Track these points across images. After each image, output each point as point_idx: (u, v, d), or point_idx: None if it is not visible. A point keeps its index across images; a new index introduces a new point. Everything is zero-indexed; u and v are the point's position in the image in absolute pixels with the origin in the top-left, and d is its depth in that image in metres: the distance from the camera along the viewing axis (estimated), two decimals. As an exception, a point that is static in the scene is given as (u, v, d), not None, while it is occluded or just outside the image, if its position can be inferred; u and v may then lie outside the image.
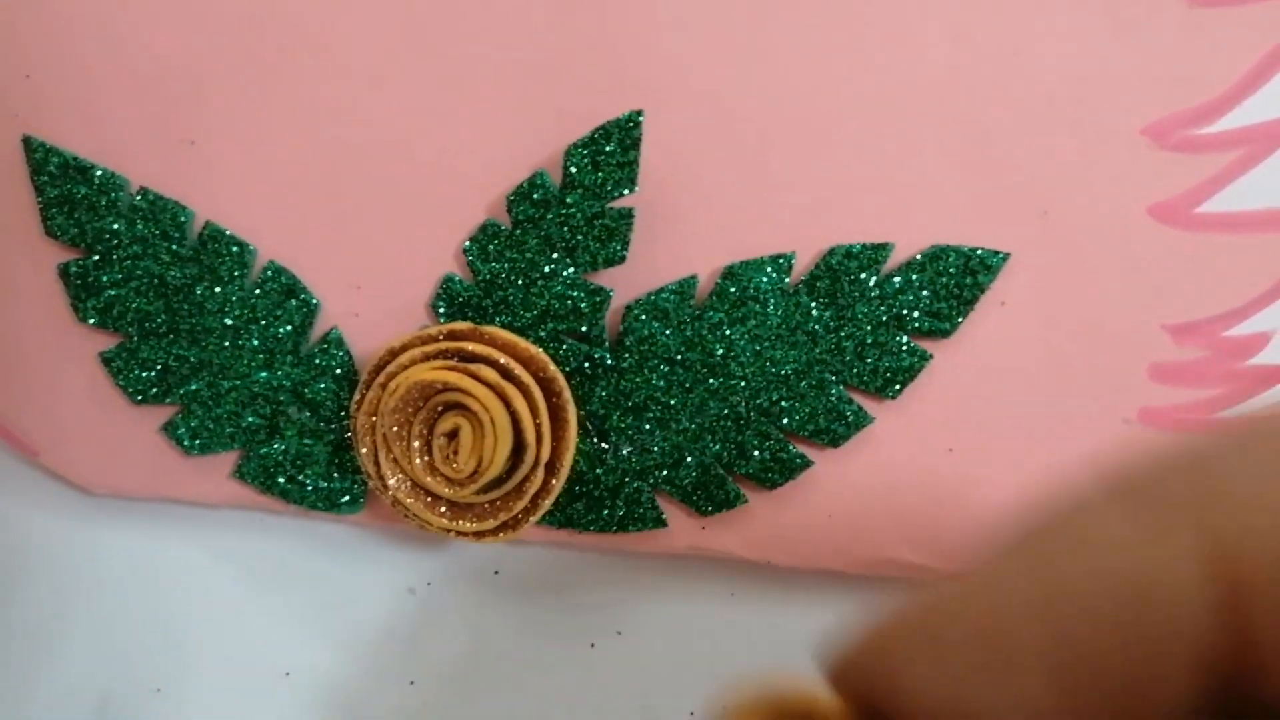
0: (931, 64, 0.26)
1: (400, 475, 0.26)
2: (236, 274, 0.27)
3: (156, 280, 0.27)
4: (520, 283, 0.26)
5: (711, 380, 0.27)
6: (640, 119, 0.25)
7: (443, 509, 0.26)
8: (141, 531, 0.28)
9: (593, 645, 0.28)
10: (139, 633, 0.28)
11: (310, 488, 0.27)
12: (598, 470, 0.27)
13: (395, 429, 0.25)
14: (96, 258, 0.27)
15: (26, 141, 0.27)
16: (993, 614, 0.13)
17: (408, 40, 0.26)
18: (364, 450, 0.26)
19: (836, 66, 0.26)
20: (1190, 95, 0.26)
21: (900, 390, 0.26)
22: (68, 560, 0.28)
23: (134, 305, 0.27)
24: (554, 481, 0.26)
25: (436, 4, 0.26)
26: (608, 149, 0.26)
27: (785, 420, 0.27)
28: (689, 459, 0.27)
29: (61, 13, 0.26)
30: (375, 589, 0.28)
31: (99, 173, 0.27)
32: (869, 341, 0.26)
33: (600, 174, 0.26)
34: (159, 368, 0.27)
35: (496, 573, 0.28)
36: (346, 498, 0.27)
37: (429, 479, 0.26)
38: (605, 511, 0.27)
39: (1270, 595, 0.12)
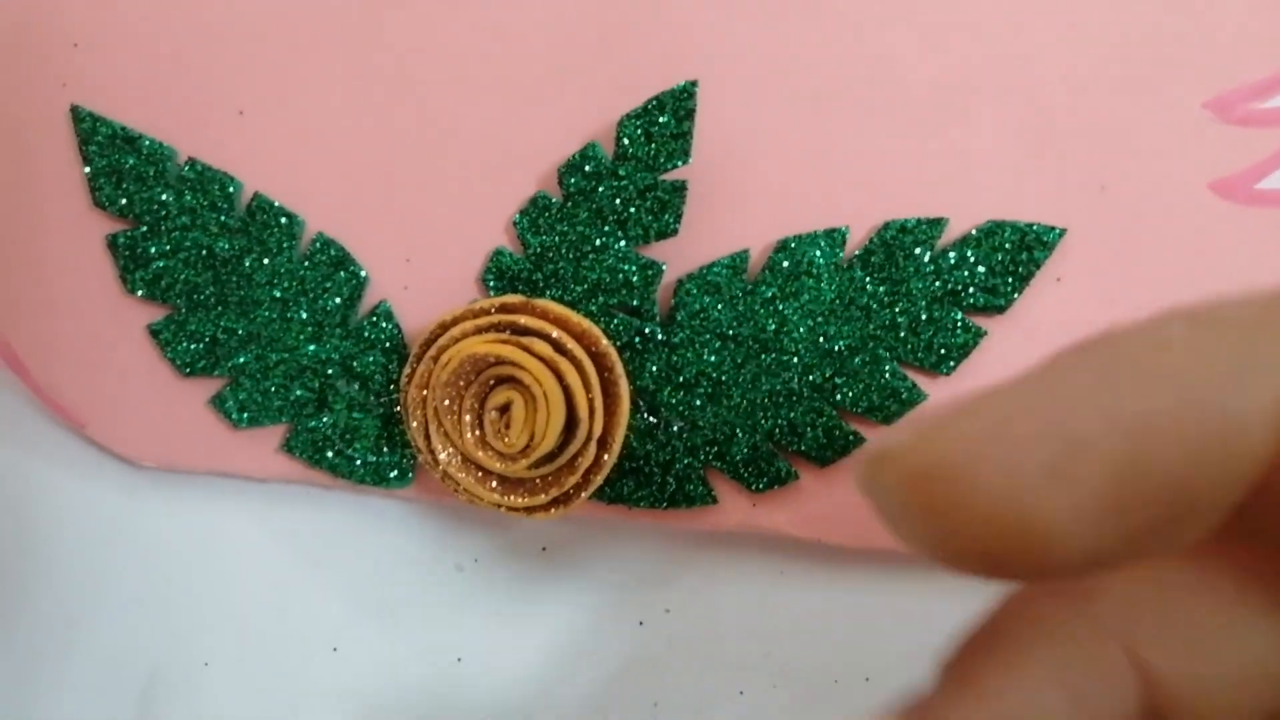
0: (988, 36, 0.25)
1: (451, 450, 0.25)
2: (285, 246, 0.26)
3: (205, 251, 0.26)
4: (571, 256, 0.26)
5: (764, 356, 0.26)
6: (695, 89, 0.25)
7: (494, 484, 0.26)
8: (189, 504, 0.28)
9: (641, 623, 0.27)
10: (186, 606, 0.28)
11: (359, 462, 0.27)
12: (648, 446, 0.27)
13: (446, 403, 0.25)
14: (145, 229, 0.26)
15: (74, 111, 0.26)
16: (1068, 415, 0.13)
17: (459, 10, 0.26)
18: (414, 424, 0.26)
19: (892, 39, 0.26)
20: (1255, 68, 0.25)
21: (955, 366, 0.26)
22: (114, 533, 0.28)
23: (182, 277, 0.26)
24: (606, 457, 0.25)
25: (487, -27, 0.26)
26: (661, 120, 0.25)
27: (838, 397, 0.26)
28: (740, 435, 0.26)
29: (109, -19, 0.26)
30: (423, 565, 0.28)
31: (147, 143, 0.26)
32: (923, 317, 0.26)
33: (653, 145, 0.25)
34: (207, 340, 0.27)
35: (544, 549, 0.28)
36: (395, 472, 0.27)
37: (480, 453, 0.25)
38: (655, 488, 0.27)
39: None
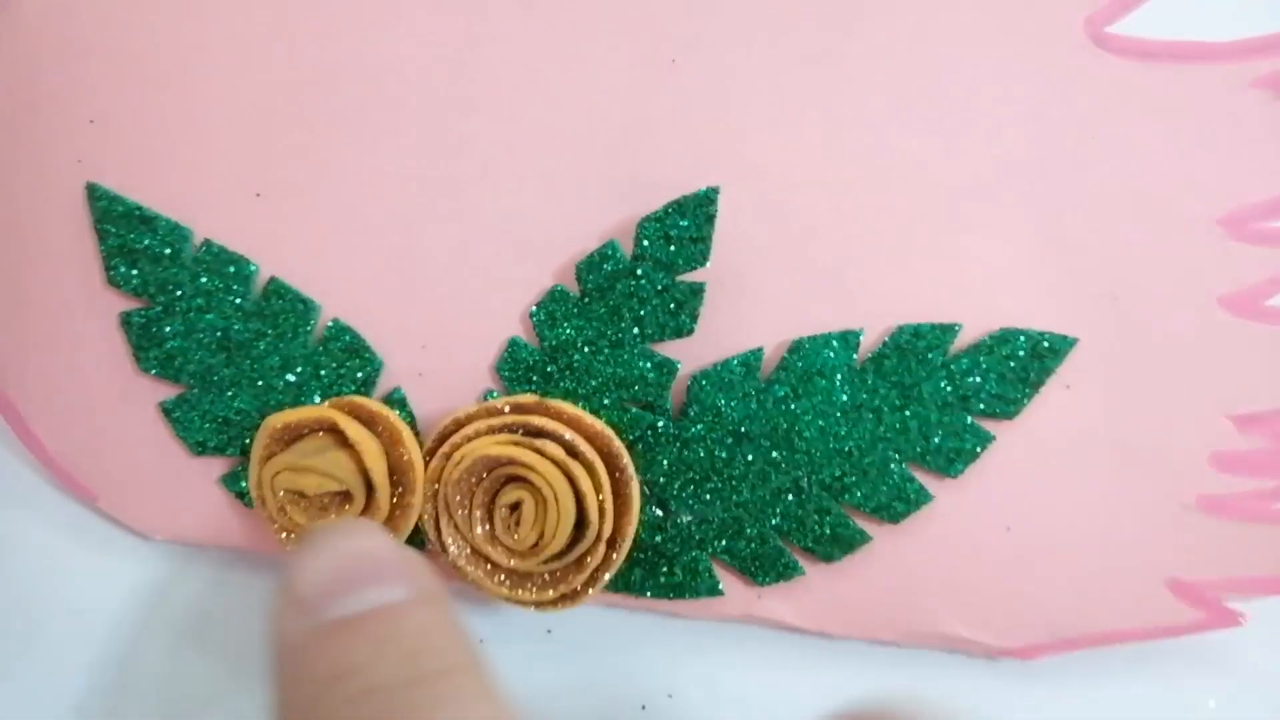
0: (1004, 147, 0.25)
1: (461, 542, 0.25)
2: (300, 330, 0.26)
3: (219, 333, 0.26)
4: (587, 350, 0.25)
5: (775, 453, 0.25)
6: (716, 196, 0.24)
7: (502, 577, 0.25)
8: (198, 577, 0.27)
9: (644, 708, 0.27)
10: (187, 678, 0.27)
11: (367, 544, 0.26)
12: (657, 538, 0.26)
13: (458, 498, 0.24)
14: (159, 308, 0.25)
15: (90, 188, 0.25)
16: None
17: (482, 102, 0.25)
18: (425, 516, 0.25)
19: (910, 147, 0.25)
20: (1266, 187, 0.25)
21: (962, 469, 0.25)
22: (122, 599, 0.28)
23: (196, 357, 0.26)
24: (615, 556, 0.24)
25: (513, 69, 0.25)
26: (682, 223, 0.24)
27: (847, 496, 0.26)
28: (748, 530, 0.26)
29: (130, 60, 0.25)
30: None
31: (162, 223, 0.25)
32: (933, 421, 0.25)
33: (672, 248, 0.24)
34: (219, 420, 0.26)
35: (549, 632, 0.27)
36: (404, 556, 0.26)
37: (489, 548, 0.24)
38: (662, 578, 0.26)
39: None
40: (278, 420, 0.24)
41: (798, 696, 0.27)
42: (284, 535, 0.25)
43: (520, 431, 0.24)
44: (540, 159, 0.25)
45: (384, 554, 0.20)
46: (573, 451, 0.24)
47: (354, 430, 0.24)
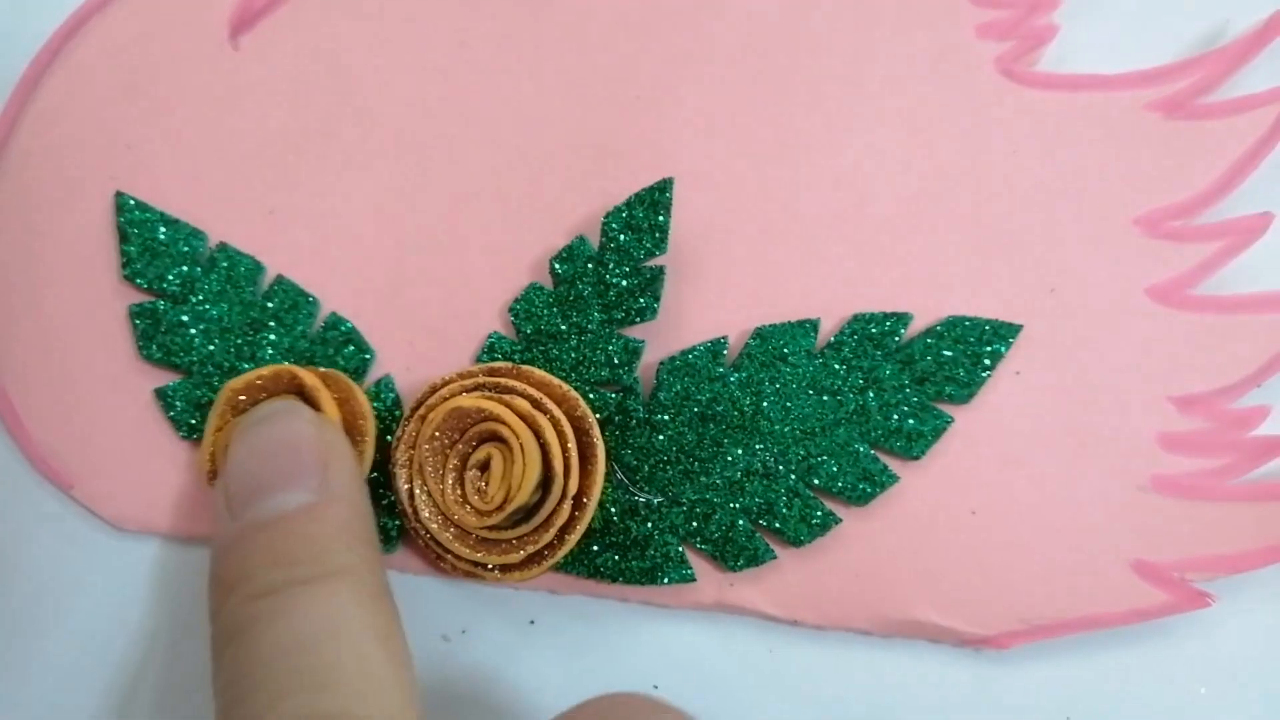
0: (939, 162, 0.28)
1: (432, 508, 0.25)
2: (300, 322, 0.27)
3: (224, 324, 0.27)
4: (560, 338, 0.27)
5: (741, 434, 0.26)
6: (669, 185, 0.26)
7: (471, 541, 0.25)
8: (169, 574, 0.27)
9: (625, 699, 0.26)
10: (158, 674, 0.26)
11: (344, 530, 0.26)
12: (629, 521, 0.26)
13: (430, 458, 0.25)
14: (170, 299, 0.27)
15: (119, 197, 0.27)
16: None
17: (467, 126, 0.28)
18: (400, 482, 0.25)
19: (858, 165, 0.27)
20: (1171, 193, 0.27)
21: (924, 451, 0.26)
22: (95, 592, 0.27)
23: (197, 344, 0.27)
24: (579, 515, 0.24)
25: (497, 102, 0.28)
26: (640, 214, 0.26)
27: (814, 477, 0.26)
28: (718, 514, 0.26)
29: (166, 96, 0.28)
30: (409, 636, 0.26)
31: (181, 226, 0.27)
32: (893, 402, 0.26)
33: (634, 235, 0.27)
34: (211, 405, 0.27)
35: (532, 622, 0.26)
36: (381, 538, 0.26)
37: (458, 510, 0.25)
38: (634, 563, 0.26)
39: None
40: (236, 383, 0.25)
41: (786, 686, 0.26)
42: None
43: (493, 392, 0.25)
44: (516, 169, 0.27)
45: (302, 446, 0.22)
46: (540, 407, 0.25)
47: (310, 379, 0.25)
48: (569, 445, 0.24)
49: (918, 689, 0.26)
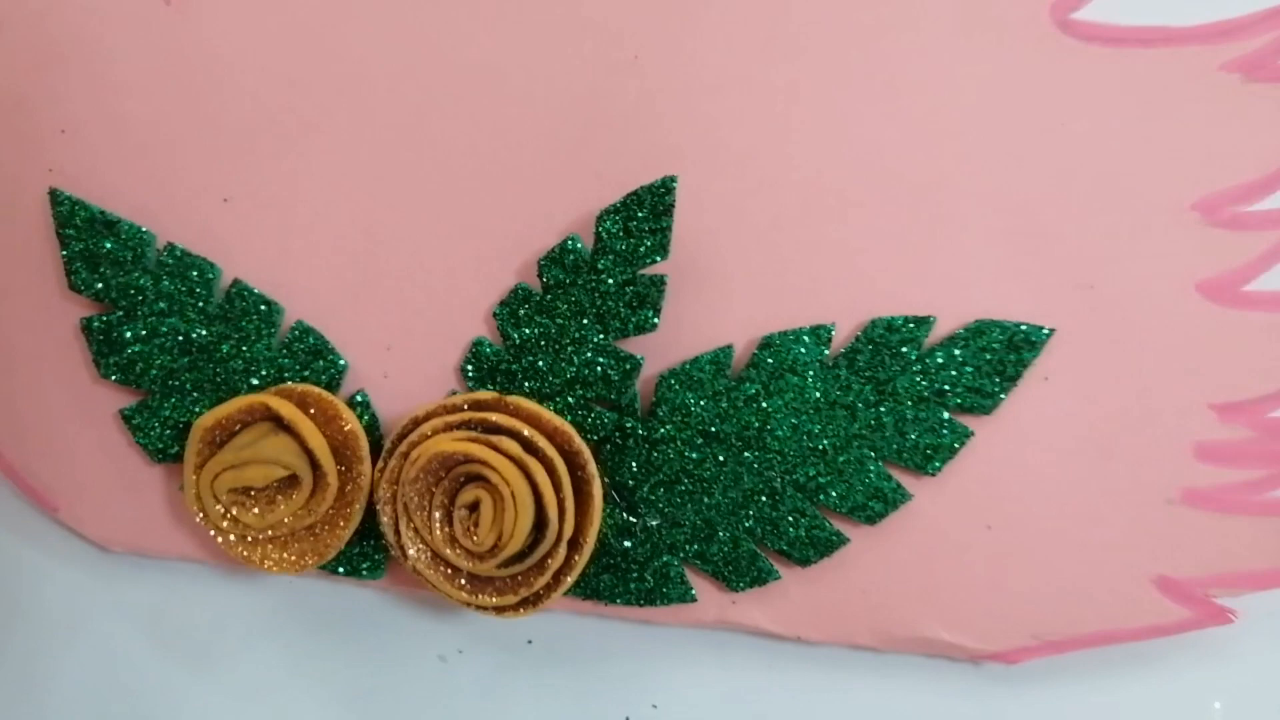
0: (972, 138, 0.24)
1: (420, 546, 0.23)
2: (264, 333, 0.24)
3: (181, 338, 0.24)
4: (550, 348, 0.24)
5: (746, 453, 0.24)
6: (674, 185, 0.23)
7: (463, 581, 0.23)
8: (156, 590, 0.26)
9: (627, 718, 0.25)
10: (150, 693, 0.26)
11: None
12: (626, 543, 0.25)
13: (416, 498, 0.23)
14: (120, 313, 0.24)
15: (53, 194, 0.24)
16: None
17: (444, 101, 0.24)
18: (385, 519, 0.23)
19: (877, 137, 0.24)
20: (1240, 172, 0.24)
21: (940, 467, 0.24)
22: (79, 613, 0.26)
23: (157, 362, 0.24)
24: (577, 558, 0.23)
25: (474, 67, 0.24)
26: (639, 215, 0.23)
27: (822, 496, 0.24)
28: (721, 533, 0.24)
29: (99, 70, 0.24)
30: (405, 657, 0.25)
31: (125, 227, 0.24)
32: (909, 417, 0.24)
33: (632, 240, 0.23)
34: (181, 426, 0.25)
35: (530, 642, 0.25)
36: (368, 564, 0.25)
37: (449, 551, 0.23)
38: (633, 584, 0.25)
39: None
40: (206, 420, 0.23)
41: (786, 704, 0.25)
42: (233, 549, 0.24)
43: (479, 429, 0.23)
44: (503, 158, 0.24)
45: None
46: (531, 448, 0.22)
47: (287, 409, 0.22)
48: (564, 488, 0.22)
49: (921, 708, 0.25)
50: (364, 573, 0.24)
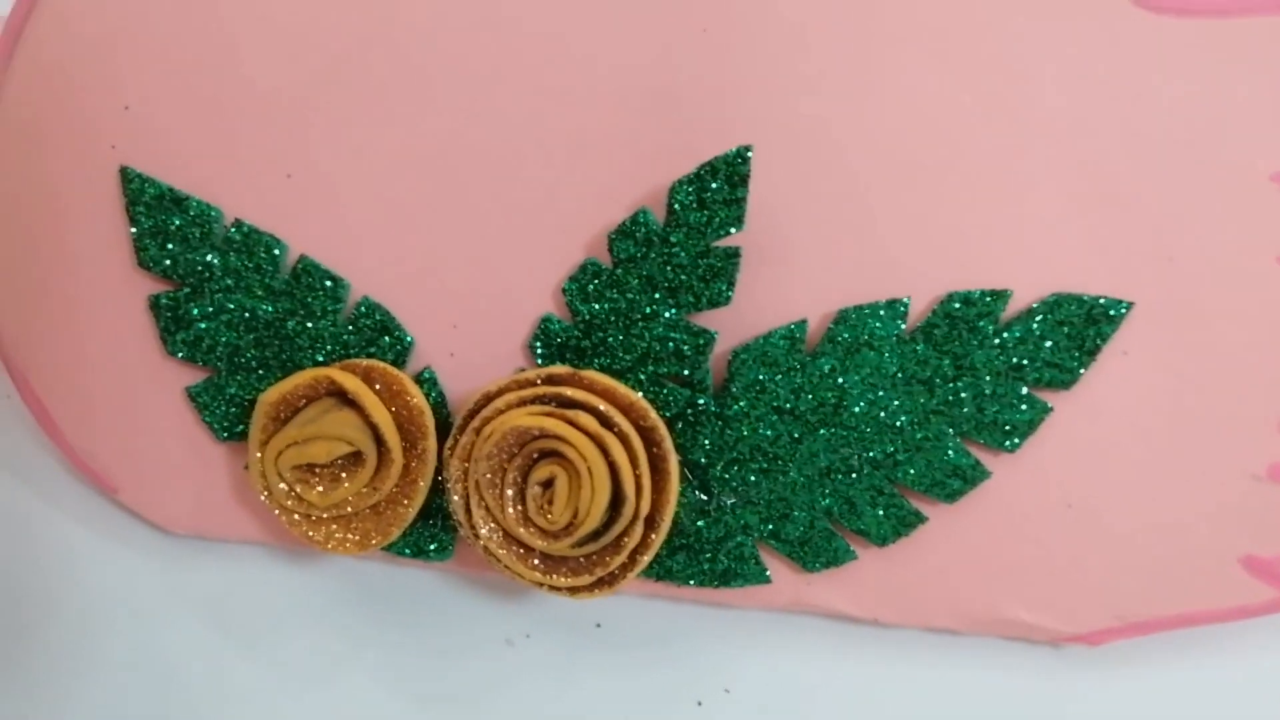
0: (1051, 105, 0.23)
1: (492, 525, 0.23)
2: (329, 309, 0.24)
3: (248, 314, 0.24)
4: (620, 324, 0.23)
5: (822, 430, 0.23)
6: (749, 154, 0.22)
7: (536, 561, 0.22)
8: (215, 571, 0.25)
9: (700, 704, 0.24)
10: (224, 682, 0.25)
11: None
12: (699, 522, 0.24)
13: (489, 475, 0.22)
14: (188, 290, 0.24)
15: (123, 172, 0.24)
16: None
17: (510, 75, 0.24)
18: (456, 498, 0.22)
19: (954, 106, 0.23)
20: (1322, 141, 0.23)
21: (1019, 443, 0.23)
22: (141, 596, 0.26)
23: (224, 339, 0.24)
24: (653, 536, 0.22)
25: (541, 39, 0.24)
26: (714, 186, 0.23)
27: (899, 474, 0.23)
28: (796, 512, 0.24)
29: (162, 46, 0.24)
30: (471, 641, 0.24)
31: (194, 204, 0.24)
32: (987, 392, 0.23)
33: (706, 212, 0.23)
34: (247, 404, 0.24)
35: (599, 625, 0.24)
36: (435, 545, 0.24)
37: (522, 530, 0.22)
38: (706, 565, 0.24)
39: None
40: (271, 395, 0.22)
41: (859, 688, 0.24)
42: (298, 528, 0.23)
43: (553, 404, 0.22)
44: (571, 131, 0.23)
45: None
46: (607, 423, 0.22)
47: (351, 382, 0.22)
48: (640, 464, 0.21)
49: (999, 689, 0.24)
50: (431, 554, 0.24)
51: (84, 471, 0.24)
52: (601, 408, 0.22)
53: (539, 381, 0.22)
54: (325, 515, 0.23)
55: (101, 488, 0.24)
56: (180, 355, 0.24)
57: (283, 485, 0.22)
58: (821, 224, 0.23)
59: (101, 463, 0.24)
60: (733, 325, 0.23)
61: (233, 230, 0.24)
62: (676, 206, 0.22)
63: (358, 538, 0.23)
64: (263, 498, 0.23)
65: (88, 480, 0.24)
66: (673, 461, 0.22)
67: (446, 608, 0.25)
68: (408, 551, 0.24)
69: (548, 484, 0.22)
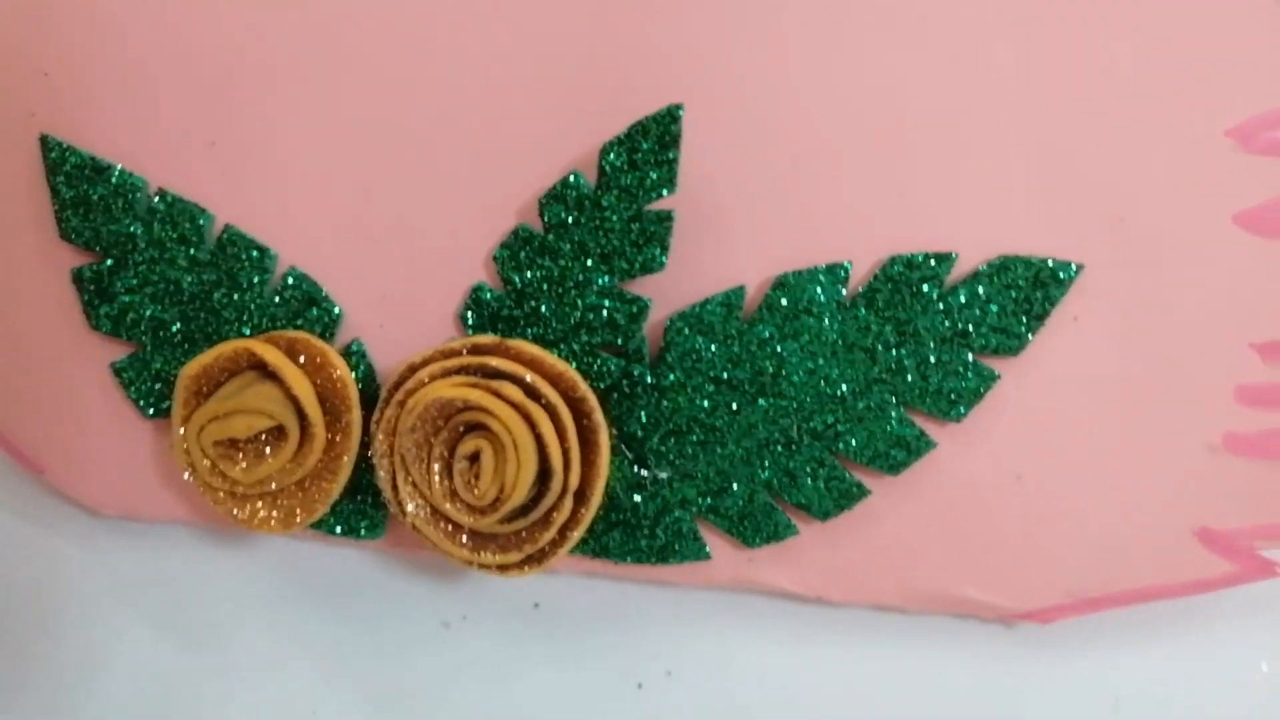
0: (997, 63, 0.22)
1: (419, 501, 0.22)
2: (256, 280, 0.23)
3: (173, 286, 0.23)
4: (553, 292, 0.22)
5: (761, 400, 0.22)
6: (679, 113, 0.21)
7: (464, 539, 0.21)
8: (148, 554, 0.24)
9: (640, 686, 0.23)
10: (152, 670, 0.24)
11: (328, 514, 0.24)
12: (636, 497, 0.23)
13: (414, 450, 0.21)
14: (112, 262, 0.23)
15: (43, 140, 0.23)
16: None
17: (434, 38, 0.22)
18: (382, 473, 0.22)
19: (895, 62, 0.22)
20: (1276, 95, 0.22)
21: (965, 412, 0.22)
22: (77, 583, 0.25)
23: (148, 313, 0.23)
24: (583, 511, 0.21)
25: (469, 3, 0.23)
26: (645, 146, 0.21)
27: (841, 445, 0.22)
28: (735, 486, 0.23)
29: (82, 10, 0.23)
30: (406, 623, 0.23)
31: (116, 173, 0.23)
32: (932, 360, 0.22)
33: (637, 173, 0.22)
34: (172, 379, 0.23)
35: (537, 606, 0.23)
36: (366, 522, 0.23)
37: (449, 505, 0.21)
38: (644, 541, 0.23)
39: None
40: (191, 368, 0.21)
41: (805, 671, 0.23)
42: (223, 505, 0.22)
43: (479, 374, 0.21)
44: (500, 95, 0.22)
45: None
46: (534, 394, 0.21)
47: (272, 354, 0.21)
48: (569, 436, 0.21)
49: (949, 669, 0.23)
50: (363, 532, 0.23)
51: (9, 452, 0.24)
52: (528, 378, 0.21)
53: (464, 352, 0.21)
54: (251, 492, 0.22)
55: (27, 469, 0.24)
56: (105, 330, 0.23)
57: (206, 462, 0.22)
58: (759, 188, 0.22)
59: (27, 443, 0.24)
60: (669, 293, 0.22)
61: (157, 200, 0.23)
62: (607, 168, 0.22)
63: (283, 515, 0.22)
64: (186, 475, 0.22)
65: (14, 461, 0.24)
66: (603, 434, 0.21)
67: (381, 590, 0.24)
68: (339, 530, 0.23)
69: (474, 458, 0.21)
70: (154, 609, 0.24)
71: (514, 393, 0.20)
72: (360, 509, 0.23)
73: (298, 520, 0.22)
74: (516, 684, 0.23)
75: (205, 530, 0.24)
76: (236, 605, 0.24)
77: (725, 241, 0.22)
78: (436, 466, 0.21)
